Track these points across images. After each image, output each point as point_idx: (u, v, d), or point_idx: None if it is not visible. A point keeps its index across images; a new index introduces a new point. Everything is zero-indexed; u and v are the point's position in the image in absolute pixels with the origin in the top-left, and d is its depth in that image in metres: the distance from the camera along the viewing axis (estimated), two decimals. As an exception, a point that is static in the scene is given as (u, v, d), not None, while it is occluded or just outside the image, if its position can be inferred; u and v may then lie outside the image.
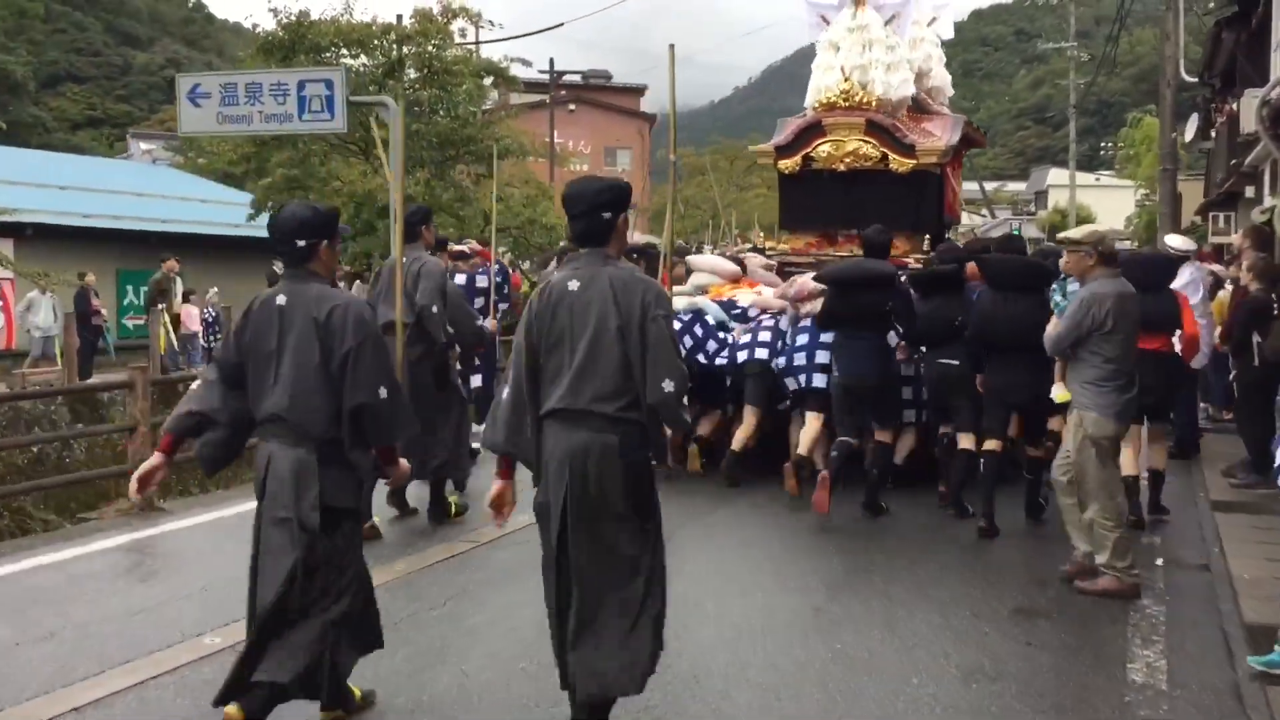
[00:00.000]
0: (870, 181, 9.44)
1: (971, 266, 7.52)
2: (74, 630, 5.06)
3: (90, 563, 6.28)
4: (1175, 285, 8.07)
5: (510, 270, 11.85)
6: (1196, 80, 22.69)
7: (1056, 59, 58.75)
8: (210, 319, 18.98)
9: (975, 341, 7.03)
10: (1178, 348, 7.41)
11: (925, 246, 9.18)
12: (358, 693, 4.09)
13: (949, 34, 11.21)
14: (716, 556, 6.30)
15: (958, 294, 7.37)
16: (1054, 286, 7.16)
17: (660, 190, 48.07)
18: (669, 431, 3.85)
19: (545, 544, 3.70)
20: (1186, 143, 22.88)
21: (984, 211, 46.06)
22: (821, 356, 7.65)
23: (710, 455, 8.39)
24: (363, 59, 19.52)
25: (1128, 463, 6.90)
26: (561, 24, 26.09)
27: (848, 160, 9.46)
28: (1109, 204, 47.89)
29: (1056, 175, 53.59)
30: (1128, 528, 5.84)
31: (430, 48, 19.39)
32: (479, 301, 8.75)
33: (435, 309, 6.75)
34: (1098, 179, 54.60)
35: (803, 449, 7.61)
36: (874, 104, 9.47)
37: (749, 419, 8.07)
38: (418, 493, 7.26)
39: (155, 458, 3.91)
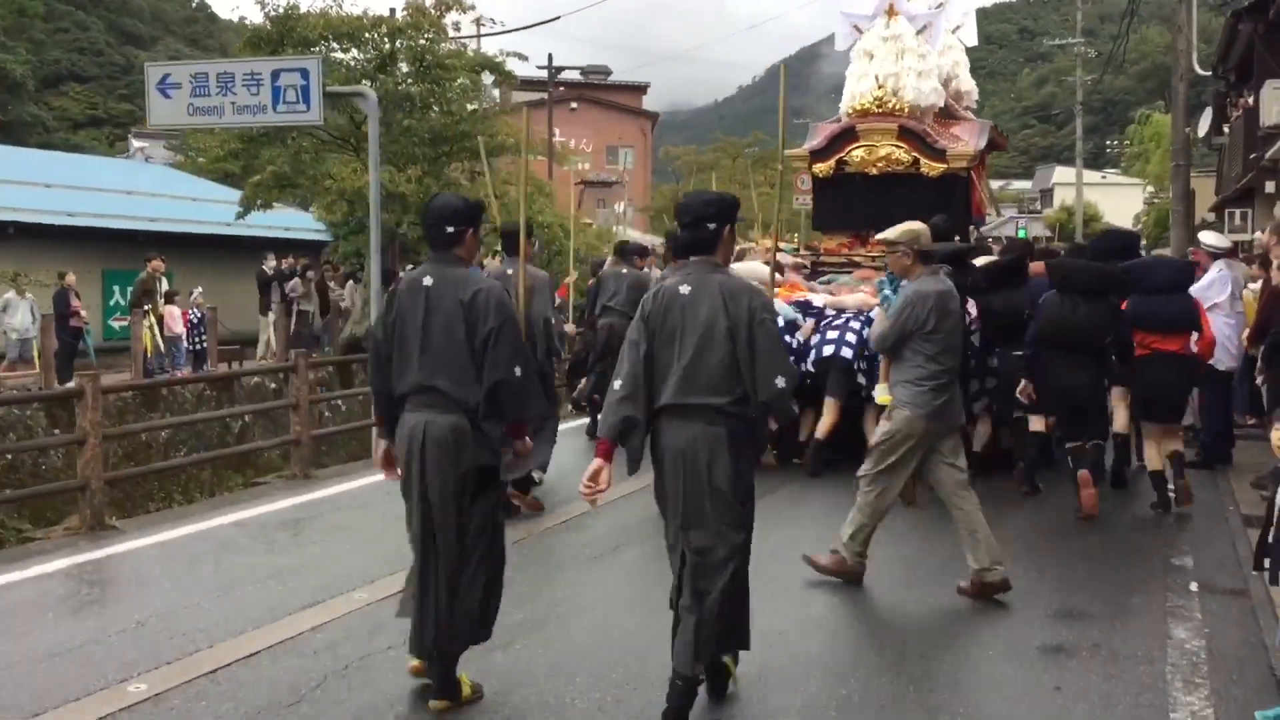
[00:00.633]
0: (902, 184, 9.89)
1: (1037, 265, 7.86)
2: (-17, 673, 4.49)
3: (21, 591, 5.70)
4: (1201, 283, 8.01)
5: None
6: (1209, 74, 22.17)
7: (1060, 57, 58.30)
8: (196, 319, 18.40)
9: (1037, 342, 7.16)
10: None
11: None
12: (468, 686, 4.10)
13: (972, 40, 11.75)
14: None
15: (1021, 286, 7.70)
16: (878, 282, 6.95)
17: (662, 190, 47.64)
18: (773, 425, 4.16)
19: (669, 527, 4.01)
20: (1199, 138, 22.38)
21: (989, 210, 45.55)
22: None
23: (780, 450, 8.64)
24: (353, 53, 18.96)
25: (1152, 458, 7.40)
26: (558, 17, 25.53)
27: (880, 164, 10.01)
28: (1115, 202, 47.41)
29: (1062, 173, 53.17)
30: (873, 526, 5.66)
31: (423, 41, 18.86)
32: None
33: (552, 319, 7.10)
34: (1104, 177, 54.17)
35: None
36: (906, 110, 9.97)
37: (831, 410, 8.31)
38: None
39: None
